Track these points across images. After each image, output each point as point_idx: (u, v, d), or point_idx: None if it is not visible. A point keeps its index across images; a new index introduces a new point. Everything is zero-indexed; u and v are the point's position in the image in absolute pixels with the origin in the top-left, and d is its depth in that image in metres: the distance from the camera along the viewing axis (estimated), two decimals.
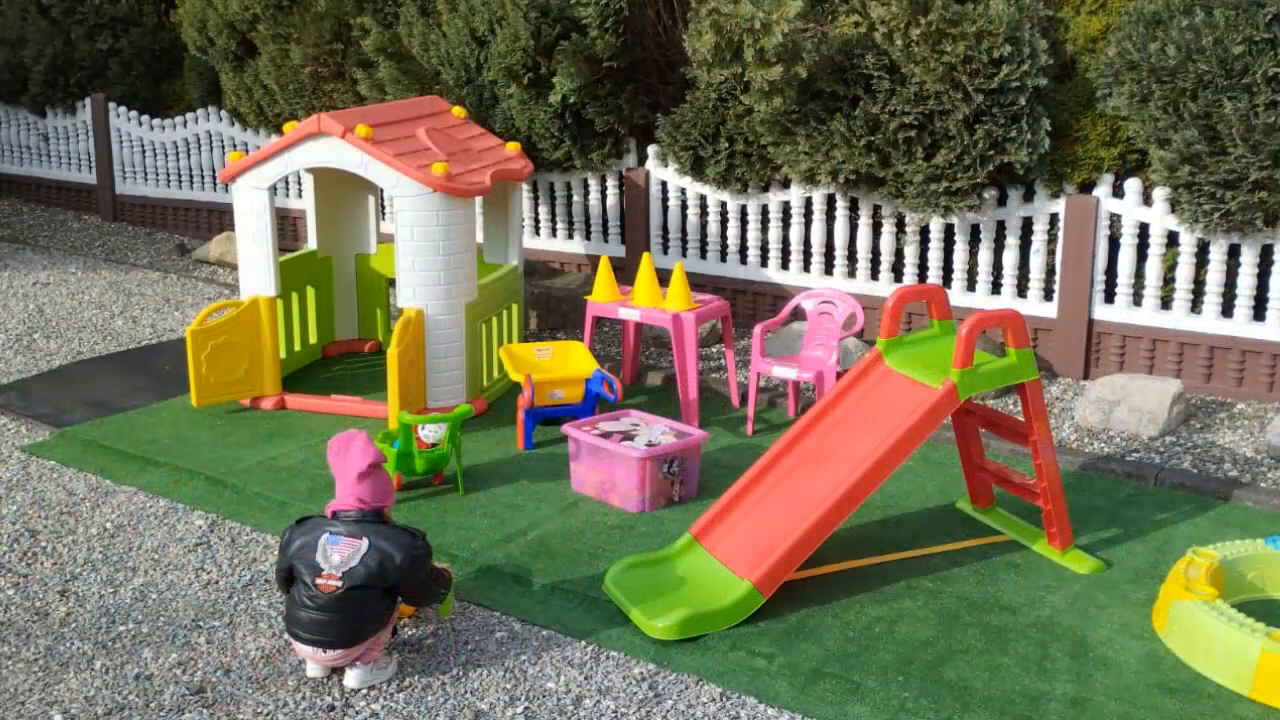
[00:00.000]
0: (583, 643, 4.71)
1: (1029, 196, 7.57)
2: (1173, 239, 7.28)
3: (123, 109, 11.74)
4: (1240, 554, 4.96)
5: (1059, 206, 7.41)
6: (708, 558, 5.12)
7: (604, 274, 7.26)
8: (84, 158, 12.37)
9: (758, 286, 8.57)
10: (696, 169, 8.44)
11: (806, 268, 8.38)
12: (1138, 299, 7.40)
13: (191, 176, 11.61)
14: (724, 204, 8.61)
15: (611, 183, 9.05)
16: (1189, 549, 4.95)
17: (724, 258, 8.71)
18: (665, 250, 8.91)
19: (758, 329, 6.92)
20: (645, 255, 7.18)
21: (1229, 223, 6.86)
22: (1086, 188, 7.45)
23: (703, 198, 8.66)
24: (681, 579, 5.04)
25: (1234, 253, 7.14)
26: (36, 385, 7.57)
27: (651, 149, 8.72)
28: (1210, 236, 7.04)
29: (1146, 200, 7.24)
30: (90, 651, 4.64)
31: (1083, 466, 6.37)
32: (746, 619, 4.79)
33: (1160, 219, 7.17)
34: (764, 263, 8.57)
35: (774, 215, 8.34)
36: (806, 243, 8.35)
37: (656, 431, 6.06)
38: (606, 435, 5.98)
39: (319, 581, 4.31)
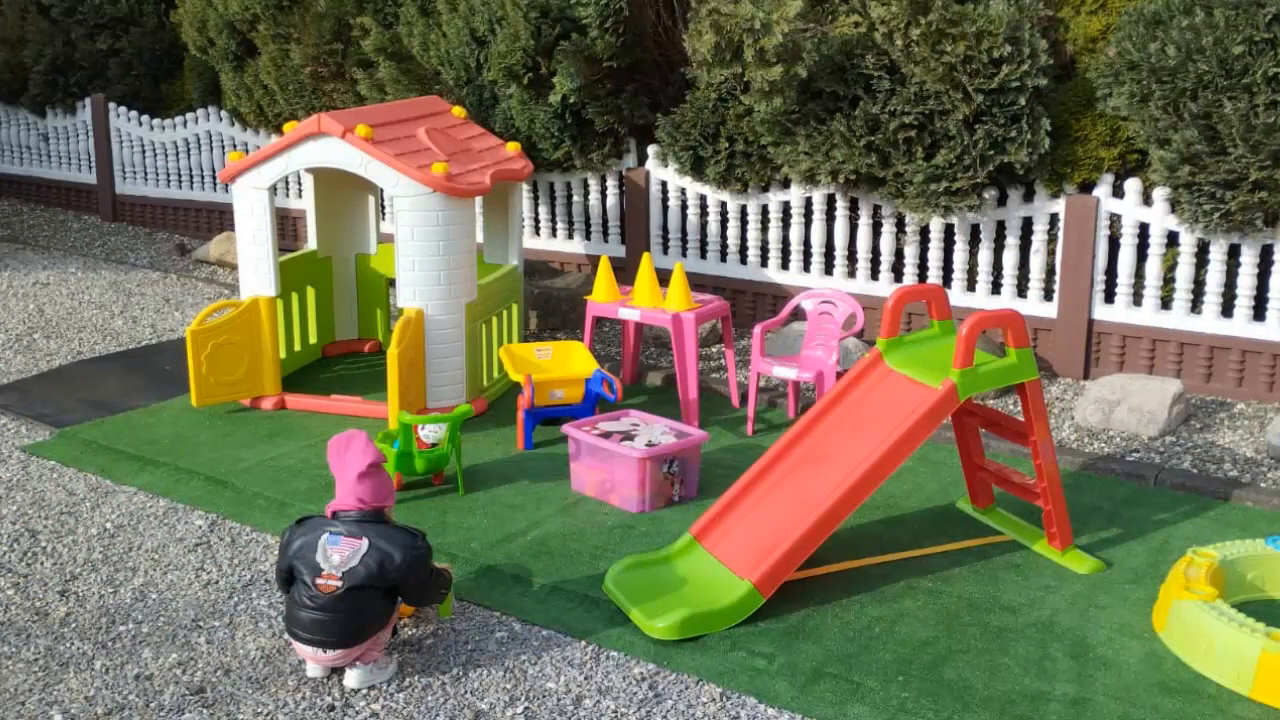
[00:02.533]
0: (583, 643, 4.71)
1: (1029, 196, 7.57)
2: (1173, 239, 7.28)
3: (123, 109, 11.75)
4: (1240, 554, 4.96)
5: (1059, 206, 7.41)
6: (708, 558, 5.12)
7: (604, 274, 7.26)
8: (84, 158, 12.38)
9: (758, 286, 8.57)
10: (696, 169, 8.44)
11: (806, 268, 8.38)
12: (1138, 299, 7.40)
13: (191, 176, 11.61)
14: (724, 204, 8.61)
15: (611, 183, 9.05)
16: (1189, 549, 4.95)
17: (724, 258, 8.71)
18: (665, 250, 8.91)
19: (758, 329, 6.92)
20: (645, 255, 7.18)
21: (1229, 223, 6.86)
22: (1086, 188, 7.45)
23: (703, 198, 8.66)
24: (681, 579, 5.04)
25: (1234, 253, 7.14)
26: (36, 385, 7.57)
27: (651, 149, 8.72)
28: (1210, 236, 7.04)
29: (1146, 200, 7.24)
30: (90, 651, 4.64)
31: (1083, 466, 6.37)
32: (746, 619, 4.79)
33: (1160, 219, 7.17)
34: (764, 263, 8.57)
35: (774, 215, 8.34)
36: (806, 243, 8.35)
37: (656, 431, 6.06)
38: (606, 435, 5.98)
39: (319, 581, 4.31)
